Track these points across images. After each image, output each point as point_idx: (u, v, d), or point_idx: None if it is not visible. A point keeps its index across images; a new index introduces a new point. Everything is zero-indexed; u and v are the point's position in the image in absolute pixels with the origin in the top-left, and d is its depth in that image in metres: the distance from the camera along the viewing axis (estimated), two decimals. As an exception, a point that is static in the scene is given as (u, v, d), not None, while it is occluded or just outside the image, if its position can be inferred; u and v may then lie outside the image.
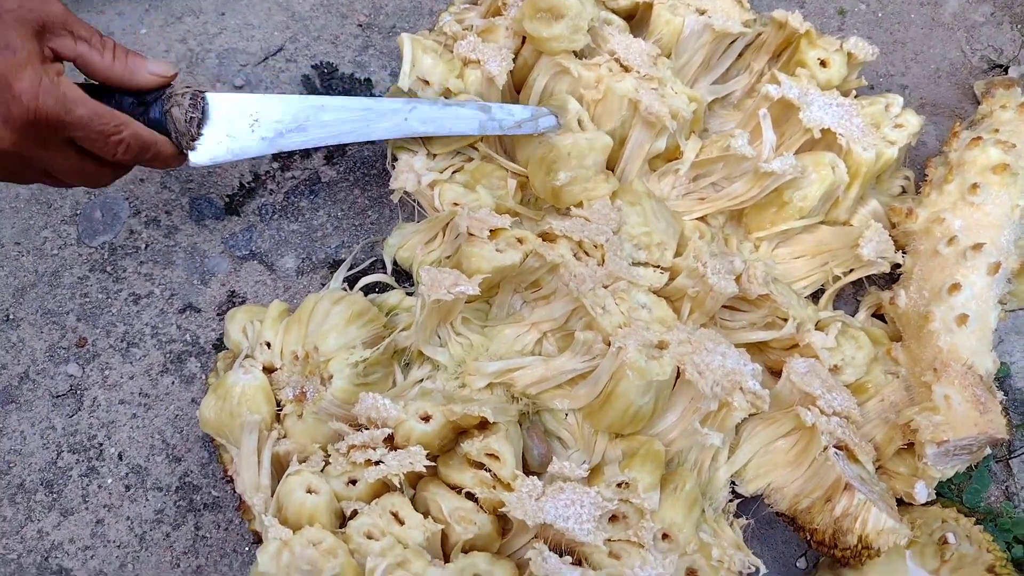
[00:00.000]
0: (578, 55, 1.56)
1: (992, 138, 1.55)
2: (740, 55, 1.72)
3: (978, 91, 1.83)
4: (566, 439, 1.41)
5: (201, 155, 1.38)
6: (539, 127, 1.51)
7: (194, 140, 1.37)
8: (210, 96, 1.38)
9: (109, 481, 1.53)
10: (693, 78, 1.68)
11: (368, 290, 1.58)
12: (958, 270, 1.42)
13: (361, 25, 1.93)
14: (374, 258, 1.65)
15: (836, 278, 1.55)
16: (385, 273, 1.60)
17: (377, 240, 1.68)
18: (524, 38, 1.59)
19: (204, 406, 1.33)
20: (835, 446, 1.32)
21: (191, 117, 1.35)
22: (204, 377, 1.58)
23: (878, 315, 1.60)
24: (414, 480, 1.30)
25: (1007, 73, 1.88)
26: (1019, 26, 1.93)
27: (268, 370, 1.37)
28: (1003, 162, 1.50)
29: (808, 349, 1.42)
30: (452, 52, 1.61)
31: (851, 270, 1.55)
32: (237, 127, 1.40)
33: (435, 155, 1.63)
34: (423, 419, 1.27)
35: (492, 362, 1.41)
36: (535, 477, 1.24)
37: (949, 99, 1.87)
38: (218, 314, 1.64)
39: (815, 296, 1.60)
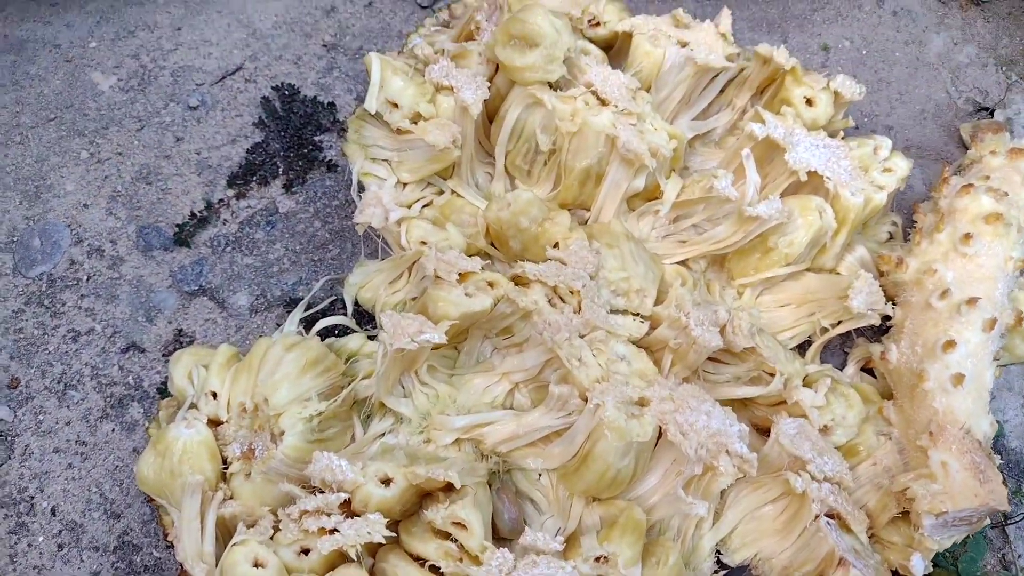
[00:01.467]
0: (553, 86, 1.48)
1: (983, 185, 1.48)
2: (722, 90, 1.65)
3: (965, 134, 1.78)
4: (539, 502, 1.31)
5: None
6: None
7: None
8: None
9: (40, 539, 1.39)
10: (673, 113, 1.60)
11: (327, 332, 1.47)
12: (952, 325, 1.35)
13: (326, 45, 1.83)
14: (334, 297, 1.54)
15: (823, 329, 1.48)
16: (345, 314, 1.49)
17: (338, 277, 1.57)
18: (497, 65, 1.50)
19: (142, 463, 1.21)
20: (827, 514, 1.24)
21: None
22: (147, 424, 1.46)
23: (866, 367, 1.53)
24: (373, 549, 1.19)
25: (993, 116, 1.83)
26: (1004, 68, 1.88)
27: (214, 423, 1.25)
28: (996, 211, 1.43)
29: (796, 407, 1.33)
30: (423, 75, 1.52)
31: (839, 322, 1.47)
32: None
33: (404, 184, 1.53)
34: (383, 482, 1.16)
35: (459, 416, 1.31)
36: (506, 549, 1.13)
37: (935, 141, 1.81)
38: (164, 355, 1.51)
39: (801, 347, 1.52)
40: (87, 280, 1.56)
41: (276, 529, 1.18)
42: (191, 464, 1.19)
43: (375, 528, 1.11)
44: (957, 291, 1.38)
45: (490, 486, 1.27)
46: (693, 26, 1.59)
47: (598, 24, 1.61)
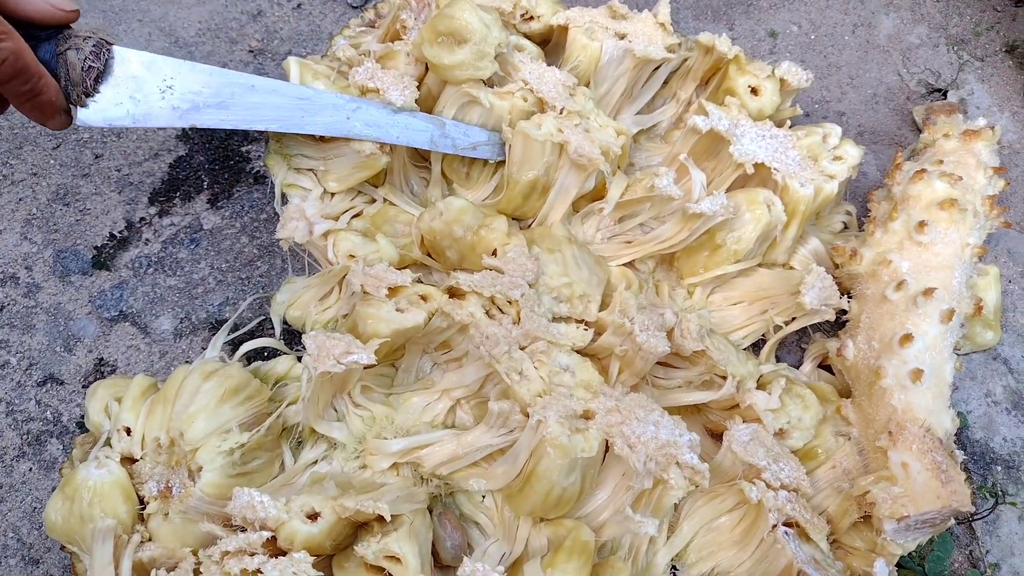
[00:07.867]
0: (488, 83, 1.40)
1: (936, 170, 1.43)
2: (665, 82, 1.58)
3: (918, 117, 1.73)
4: (484, 525, 1.23)
5: (93, 114, 1.17)
6: (495, 154, 1.42)
7: (88, 95, 1.16)
8: (118, 50, 1.19)
9: (-50, 590, 1.30)
10: (616, 108, 1.54)
11: (256, 355, 1.39)
12: (909, 318, 1.29)
13: (252, 51, 1.75)
14: (263, 316, 1.46)
15: (777, 327, 1.41)
16: (274, 335, 1.41)
17: (266, 296, 1.48)
18: (427, 64, 1.42)
19: (50, 508, 1.12)
20: (785, 523, 1.17)
21: (90, 67, 1.15)
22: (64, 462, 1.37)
23: (824, 364, 1.47)
24: (304, 587, 1.11)
25: (946, 98, 1.78)
26: (956, 48, 1.83)
27: (128, 460, 1.17)
28: (950, 197, 1.38)
29: (750, 411, 1.27)
30: (347, 79, 1.43)
31: (793, 318, 1.41)
32: (145, 90, 1.21)
33: (332, 195, 1.45)
34: (309, 517, 1.08)
35: (396, 440, 1.23)
36: (445, 580, 1.06)
37: (888, 125, 1.76)
38: (84, 386, 1.42)
39: (756, 345, 1.46)
40: (1, 310, 1.47)
41: (198, 572, 1.09)
42: (103, 507, 1.10)
43: (300, 568, 1.03)
44: (913, 282, 1.32)
45: (431, 511, 1.20)
46: (631, 17, 1.53)
47: (531, 18, 1.54)
